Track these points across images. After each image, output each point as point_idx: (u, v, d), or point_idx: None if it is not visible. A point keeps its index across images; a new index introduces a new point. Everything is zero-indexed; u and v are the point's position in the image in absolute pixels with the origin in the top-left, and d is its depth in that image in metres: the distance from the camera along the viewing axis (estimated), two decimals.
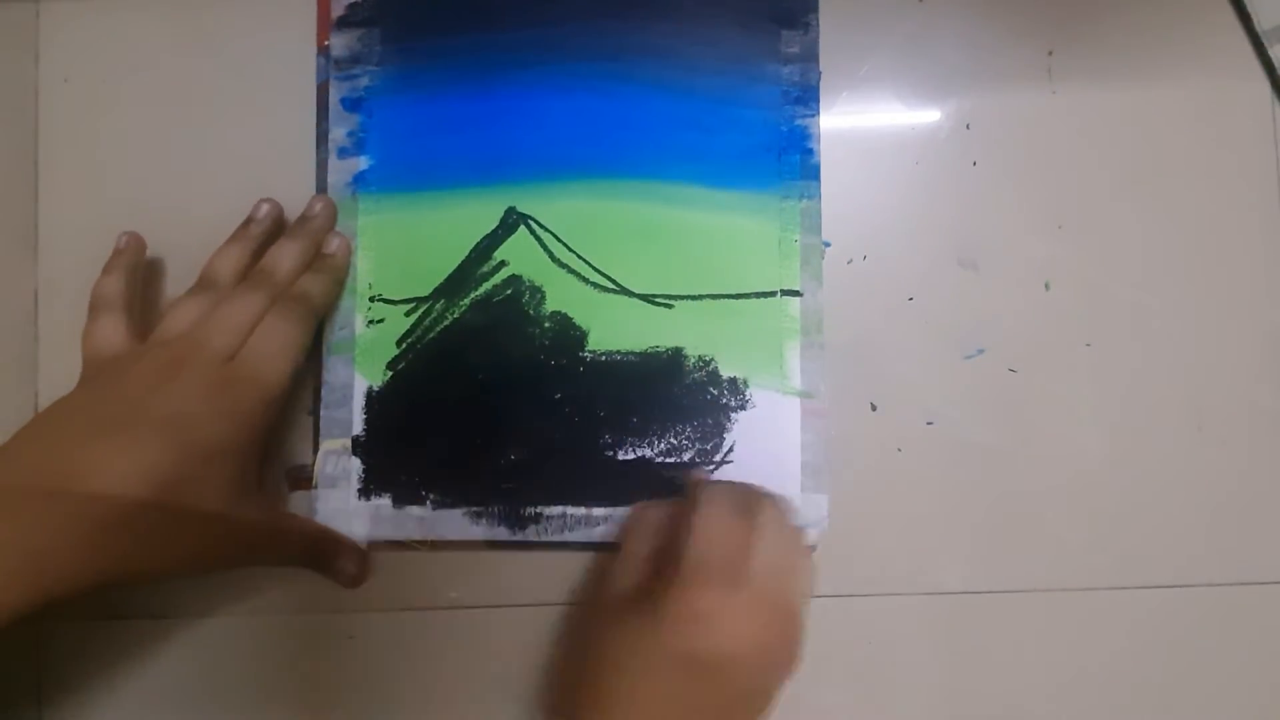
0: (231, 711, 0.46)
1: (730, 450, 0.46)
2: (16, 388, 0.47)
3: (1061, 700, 0.46)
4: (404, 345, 0.46)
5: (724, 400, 0.46)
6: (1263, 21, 0.46)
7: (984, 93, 0.47)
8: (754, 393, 0.46)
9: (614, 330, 0.46)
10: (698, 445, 0.46)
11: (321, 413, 0.46)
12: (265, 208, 0.46)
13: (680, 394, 0.46)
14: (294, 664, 0.46)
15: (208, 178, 0.48)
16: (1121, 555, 0.46)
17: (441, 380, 0.46)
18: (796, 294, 0.46)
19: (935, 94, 0.48)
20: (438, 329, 0.46)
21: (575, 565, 0.46)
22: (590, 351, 0.46)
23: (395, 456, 0.46)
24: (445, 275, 0.46)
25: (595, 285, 0.46)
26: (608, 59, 0.47)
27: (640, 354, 0.46)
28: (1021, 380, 0.47)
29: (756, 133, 0.47)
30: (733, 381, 0.46)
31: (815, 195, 0.47)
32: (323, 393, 0.46)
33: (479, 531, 0.45)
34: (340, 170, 0.47)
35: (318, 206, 0.46)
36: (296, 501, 0.46)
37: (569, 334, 0.46)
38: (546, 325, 0.46)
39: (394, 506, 0.46)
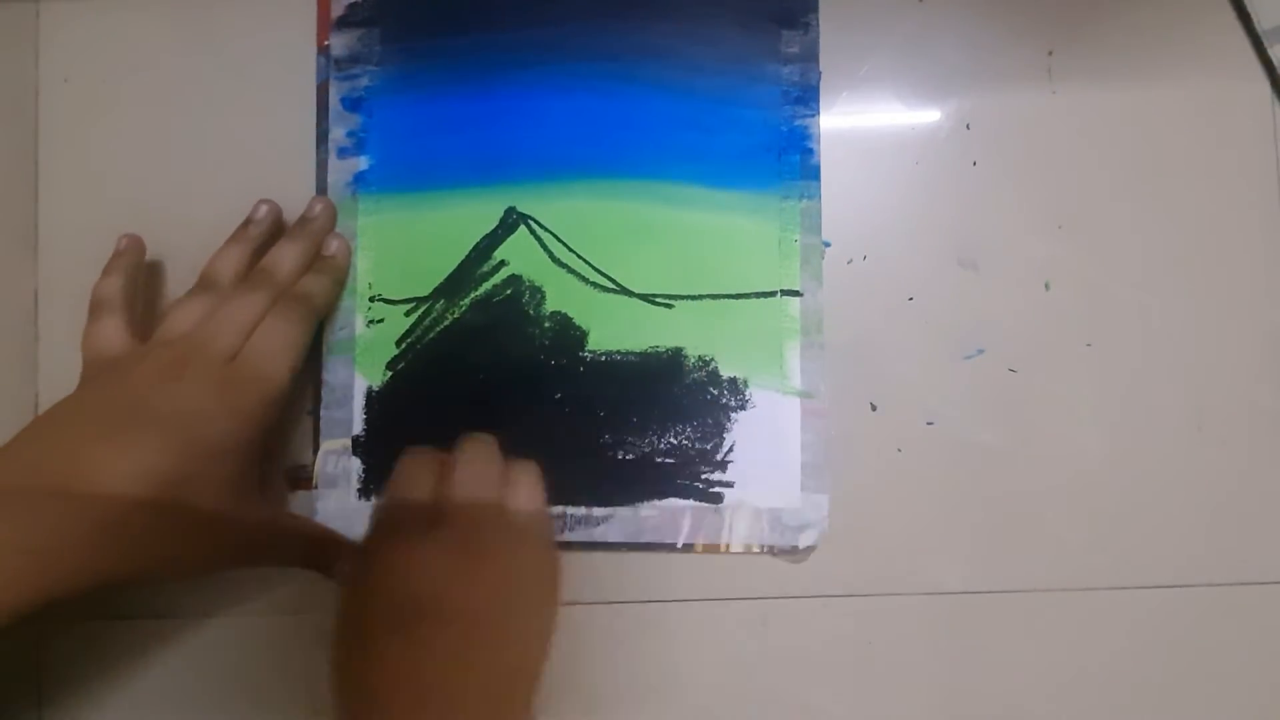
0: (231, 711, 0.46)
1: (730, 450, 0.46)
2: (16, 388, 0.47)
3: (1061, 700, 0.46)
4: (404, 345, 0.46)
5: (724, 400, 0.46)
6: (1263, 21, 0.46)
7: (984, 93, 0.47)
8: (754, 393, 0.46)
9: (614, 330, 0.46)
10: (697, 445, 0.46)
11: (321, 413, 0.46)
12: (264, 208, 0.46)
13: (680, 394, 0.46)
14: (294, 664, 0.46)
15: (207, 178, 0.48)
16: (1121, 555, 0.46)
17: (441, 380, 0.46)
18: (797, 294, 0.46)
19: (935, 94, 0.48)
20: (438, 329, 0.46)
21: (575, 565, 0.46)
22: (590, 351, 0.46)
23: (395, 456, 0.46)
24: (445, 275, 0.46)
25: (595, 285, 0.46)
26: (608, 59, 0.47)
27: (640, 354, 0.46)
28: (1021, 380, 0.47)
29: (756, 133, 0.47)
30: (733, 381, 0.46)
31: (815, 195, 0.47)
32: (323, 393, 0.46)
33: None
34: (340, 170, 0.47)
35: (318, 207, 0.46)
36: (296, 502, 0.46)
37: (569, 334, 0.46)
38: (546, 325, 0.46)
39: None
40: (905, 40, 0.48)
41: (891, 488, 0.46)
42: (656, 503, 0.46)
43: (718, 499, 0.46)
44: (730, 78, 0.47)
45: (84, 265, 0.45)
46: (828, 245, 0.47)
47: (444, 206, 0.47)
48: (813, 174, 0.47)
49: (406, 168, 0.47)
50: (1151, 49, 0.47)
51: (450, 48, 0.47)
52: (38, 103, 0.49)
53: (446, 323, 0.46)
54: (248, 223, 0.45)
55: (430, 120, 0.47)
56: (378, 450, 0.46)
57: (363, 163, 0.47)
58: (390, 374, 0.46)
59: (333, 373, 0.46)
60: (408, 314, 0.46)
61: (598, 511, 0.46)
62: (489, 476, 0.40)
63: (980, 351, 0.47)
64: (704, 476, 0.46)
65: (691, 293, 0.46)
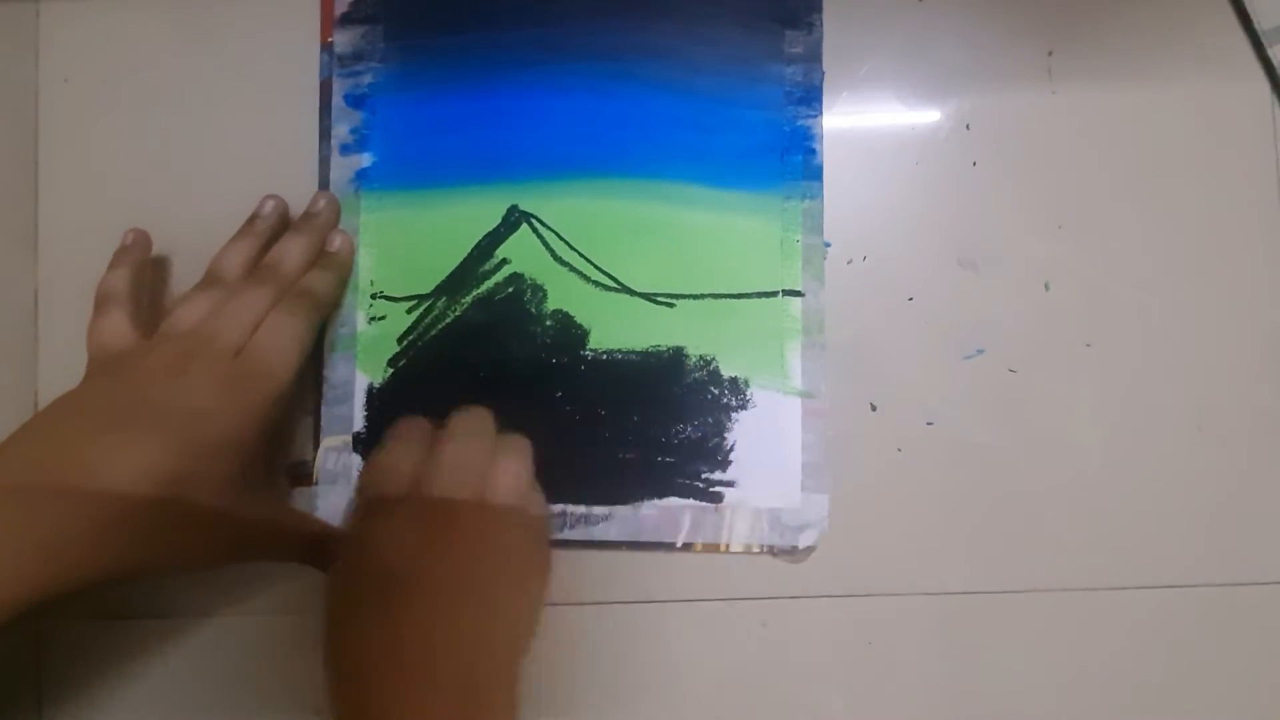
0: (231, 711, 0.46)
1: (731, 450, 0.46)
2: (17, 388, 0.47)
3: (1061, 700, 0.46)
4: (405, 342, 0.46)
5: (725, 400, 0.46)
6: (1263, 21, 0.47)
7: (984, 93, 0.47)
8: (755, 392, 0.46)
9: (615, 329, 0.46)
10: (698, 444, 0.46)
11: (323, 409, 0.46)
12: (270, 204, 0.46)
13: (681, 393, 0.46)
14: (294, 664, 0.46)
15: (209, 176, 0.48)
16: (1121, 555, 0.46)
17: (442, 378, 0.46)
18: (798, 294, 0.46)
19: (935, 94, 0.48)
20: (439, 326, 0.46)
21: (575, 564, 0.46)
22: (591, 350, 0.46)
23: None
24: (447, 273, 0.46)
25: (597, 284, 0.46)
26: (611, 58, 0.47)
27: (641, 353, 0.46)
28: (1021, 380, 0.47)
29: (759, 133, 0.47)
30: (734, 381, 0.46)
31: (817, 195, 0.47)
32: (324, 389, 0.46)
33: None
34: (343, 167, 0.47)
35: (321, 203, 0.46)
36: (297, 498, 0.46)
37: (570, 332, 0.46)
38: (548, 323, 0.46)
39: None
40: (905, 40, 0.48)
41: (891, 488, 0.46)
42: (656, 502, 0.46)
43: (718, 498, 0.46)
44: (732, 78, 0.47)
45: (84, 265, 0.45)
46: (828, 245, 0.47)
47: (446, 204, 0.47)
48: (815, 174, 0.47)
49: (409, 165, 0.47)
50: (1151, 49, 0.47)
51: (453, 45, 0.47)
52: (38, 103, 0.49)
53: (448, 320, 0.46)
54: (254, 218, 0.46)
55: (433, 118, 0.47)
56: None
57: (365, 160, 0.47)
58: (391, 371, 0.46)
59: (334, 369, 0.46)
60: (409, 311, 0.46)
61: (597, 510, 0.46)
62: (474, 449, 0.40)
63: (980, 351, 0.47)
64: (704, 476, 0.46)
65: (693, 292, 0.46)
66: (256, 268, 0.44)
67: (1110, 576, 0.46)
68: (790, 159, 0.47)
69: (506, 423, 0.43)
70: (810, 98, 0.47)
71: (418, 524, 0.38)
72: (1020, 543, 0.46)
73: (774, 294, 0.46)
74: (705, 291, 0.46)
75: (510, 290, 0.46)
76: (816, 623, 0.46)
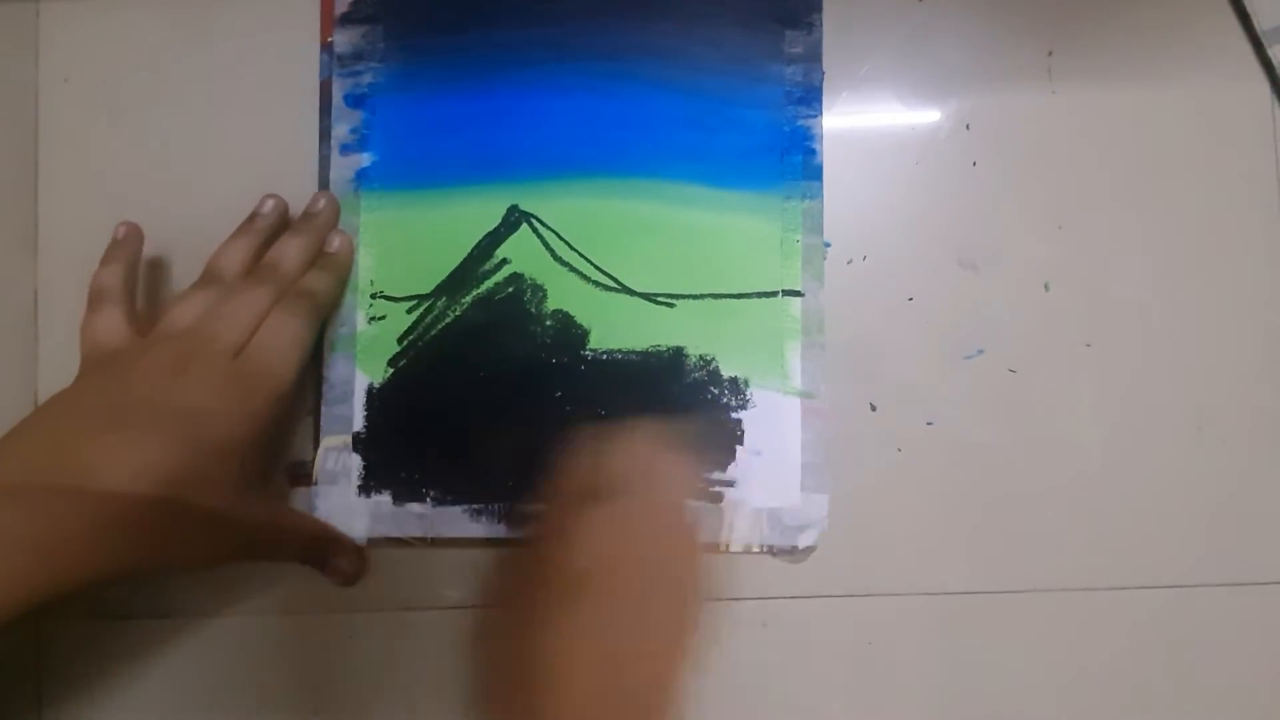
0: (231, 711, 0.46)
1: (730, 450, 0.46)
2: (16, 387, 0.47)
3: (1061, 700, 0.46)
4: (405, 342, 0.46)
5: (725, 400, 0.46)
6: (1263, 21, 0.47)
7: (984, 93, 0.47)
8: (755, 392, 0.46)
9: (615, 329, 0.46)
10: (698, 445, 0.46)
11: (322, 409, 0.46)
12: (270, 203, 0.46)
13: (681, 393, 0.46)
14: (294, 664, 0.46)
15: (209, 176, 0.48)
16: (1121, 555, 0.46)
17: (442, 378, 0.46)
18: (798, 294, 0.46)
19: (935, 94, 0.48)
20: (439, 326, 0.46)
21: None
22: (591, 350, 0.46)
23: (396, 453, 0.46)
24: (447, 273, 0.46)
25: (597, 284, 0.46)
26: (611, 58, 0.47)
27: (641, 353, 0.46)
28: (1021, 380, 0.47)
29: (759, 133, 0.47)
30: (733, 381, 0.46)
31: (817, 196, 0.47)
32: (324, 389, 0.46)
33: (479, 529, 0.45)
34: (343, 167, 0.47)
35: (321, 202, 0.46)
36: (296, 498, 0.46)
37: (570, 332, 0.46)
38: (548, 323, 0.46)
39: (394, 504, 0.46)
40: (905, 40, 0.48)
41: (891, 488, 0.46)
42: None
43: (717, 498, 0.46)
44: (732, 78, 0.47)
45: (84, 265, 0.45)
46: (828, 245, 0.47)
47: (446, 204, 0.47)
48: (815, 174, 0.47)
49: (409, 165, 0.47)
50: (1151, 49, 0.47)
51: (453, 45, 0.47)
52: (38, 103, 0.48)
53: (448, 320, 0.46)
54: (254, 216, 0.45)
55: (433, 117, 0.47)
56: (378, 447, 0.46)
57: (365, 159, 0.47)
58: (391, 371, 0.46)
59: (333, 369, 0.46)
60: (409, 311, 0.46)
61: None
62: (657, 462, 0.40)
63: (980, 352, 0.47)
64: (704, 476, 0.46)
65: (693, 292, 0.46)
66: (256, 267, 0.44)
67: (1110, 576, 0.46)
68: (790, 159, 0.47)
69: (507, 422, 0.43)
70: (810, 98, 0.47)
71: (614, 524, 0.37)
72: (1020, 543, 0.46)
73: (774, 294, 0.46)
74: (705, 291, 0.46)
75: (510, 290, 0.46)
76: (816, 623, 0.46)
